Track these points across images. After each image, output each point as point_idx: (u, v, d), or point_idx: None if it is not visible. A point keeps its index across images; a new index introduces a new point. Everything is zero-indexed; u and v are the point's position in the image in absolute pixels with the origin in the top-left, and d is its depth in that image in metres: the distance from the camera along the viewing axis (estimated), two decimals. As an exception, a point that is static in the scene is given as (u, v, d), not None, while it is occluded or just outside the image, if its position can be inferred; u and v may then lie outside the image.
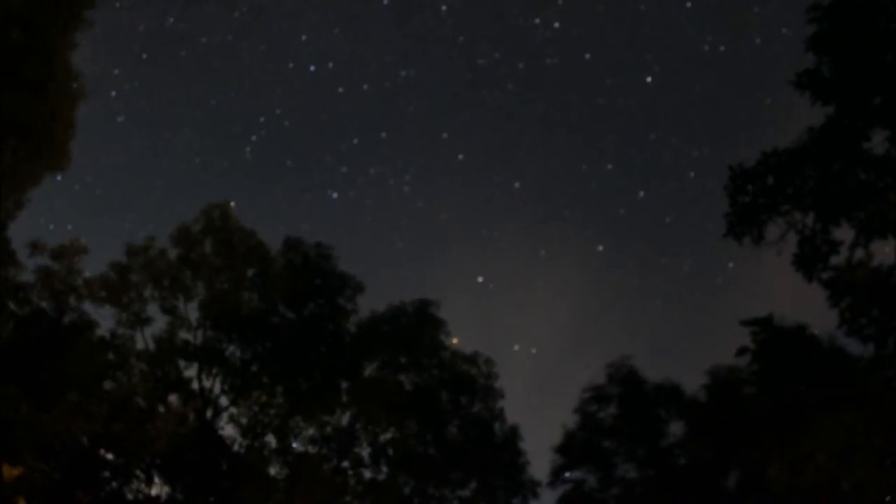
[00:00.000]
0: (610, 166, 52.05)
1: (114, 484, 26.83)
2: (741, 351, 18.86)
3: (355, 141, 52.33)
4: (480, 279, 49.77)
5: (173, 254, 29.65)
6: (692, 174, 48.60)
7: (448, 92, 55.75)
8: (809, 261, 16.41)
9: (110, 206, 52.91)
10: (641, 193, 52.02)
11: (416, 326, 32.50)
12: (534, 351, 50.01)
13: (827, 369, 17.81)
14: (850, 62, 16.17)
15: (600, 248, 51.94)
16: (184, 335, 29.93)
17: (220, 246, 29.83)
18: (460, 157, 51.17)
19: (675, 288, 54.98)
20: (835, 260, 16.41)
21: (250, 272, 30.54)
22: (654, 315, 53.64)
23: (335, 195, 50.73)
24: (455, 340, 41.81)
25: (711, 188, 47.03)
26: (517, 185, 53.02)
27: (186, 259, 29.59)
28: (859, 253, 16.14)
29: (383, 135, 53.94)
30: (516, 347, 48.10)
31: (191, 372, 30.10)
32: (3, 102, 19.88)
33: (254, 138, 50.79)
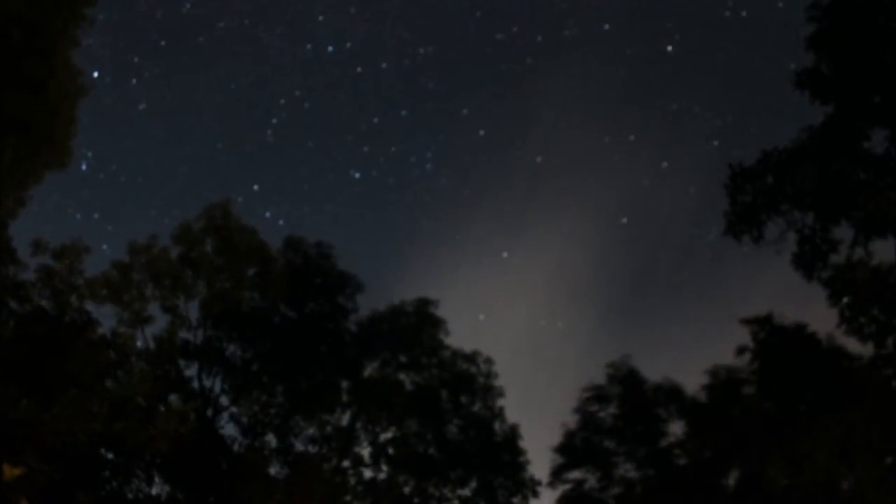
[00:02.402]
0: (632, 137, 51.78)
1: (114, 483, 26.83)
2: (741, 350, 18.94)
3: (376, 120, 52.42)
4: (505, 254, 49.67)
5: (174, 252, 29.66)
6: (716, 143, 48.07)
7: (467, 67, 55.62)
8: (809, 260, 16.45)
9: (135, 193, 53.09)
10: (665, 164, 51.60)
11: (415, 326, 32.50)
12: (560, 325, 49.85)
13: (826, 368, 17.84)
14: (849, 62, 16.18)
15: (624, 220, 51.56)
16: (184, 334, 29.92)
17: (220, 245, 29.82)
18: (481, 132, 51.04)
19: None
20: (834, 259, 16.48)
21: (251, 271, 30.51)
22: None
23: (357, 175, 50.87)
24: (482, 316, 42.39)
25: (736, 157, 46.49)
26: (539, 158, 52.89)
27: (187, 258, 29.59)
28: (859, 252, 16.20)
29: (403, 113, 53.86)
30: (543, 322, 48.13)
31: (191, 371, 30.09)
32: (4, 101, 19.84)
33: (274, 121, 50.89)
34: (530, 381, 54.52)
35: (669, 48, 47.49)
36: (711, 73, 55.11)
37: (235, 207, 30.27)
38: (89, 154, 51.05)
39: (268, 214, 49.01)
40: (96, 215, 52.47)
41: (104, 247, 38.19)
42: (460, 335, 49.54)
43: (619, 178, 54.51)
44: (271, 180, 60.41)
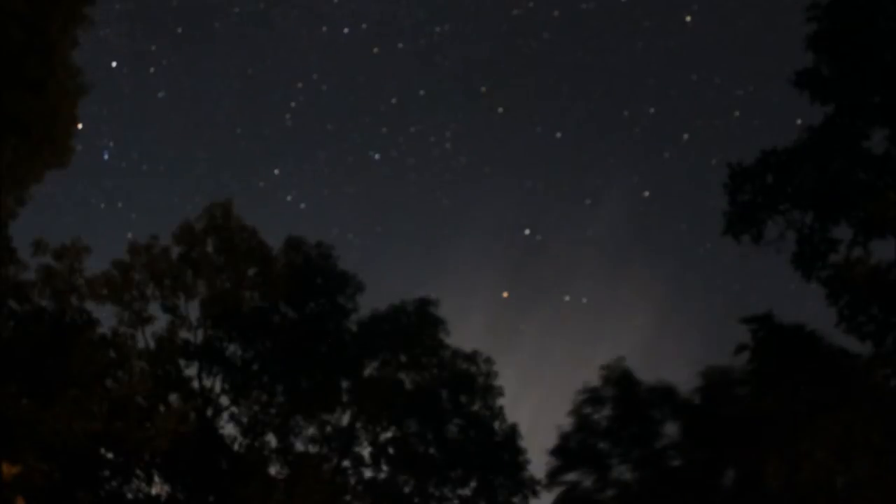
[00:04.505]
0: (652, 110, 51.42)
1: (114, 483, 26.89)
2: (740, 348, 18.95)
3: (394, 100, 52.03)
4: (527, 232, 49.51)
5: (175, 252, 29.72)
6: (737, 113, 47.67)
7: (484, 45, 55.41)
8: (808, 259, 16.49)
9: (157, 181, 53.15)
10: (686, 136, 51.08)
11: (416, 325, 32.52)
12: (585, 300, 49.60)
13: (825, 367, 17.87)
14: (849, 62, 16.22)
15: (646, 193, 51.24)
16: (184, 334, 30.00)
17: (221, 245, 29.89)
18: (500, 109, 50.66)
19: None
20: (834, 258, 16.51)
21: (251, 271, 30.58)
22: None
23: (377, 156, 50.72)
24: (506, 294, 42.42)
25: (758, 127, 46.27)
26: (559, 134, 52.67)
27: (188, 258, 29.66)
28: (858, 251, 16.24)
29: (421, 92, 53.33)
30: (567, 298, 47.94)
31: (191, 371, 30.17)
32: (4, 101, 19.89)
33: (293, 104, 50.62)
34: (550, 357, 54.62)
35: (688, 18, 46.82)
36: (731, 43, 54.35)
37: (242, 202, 30.41)
38: (110, 144, 51.55)
39: (289, 198, 48.86)
40: (120, 204, 52.76)
41: (129, 235, 38.16)
42: (483, 313, 50.11)
43: (641, 152, 54.11)
44: (291, 164, 60.16)
